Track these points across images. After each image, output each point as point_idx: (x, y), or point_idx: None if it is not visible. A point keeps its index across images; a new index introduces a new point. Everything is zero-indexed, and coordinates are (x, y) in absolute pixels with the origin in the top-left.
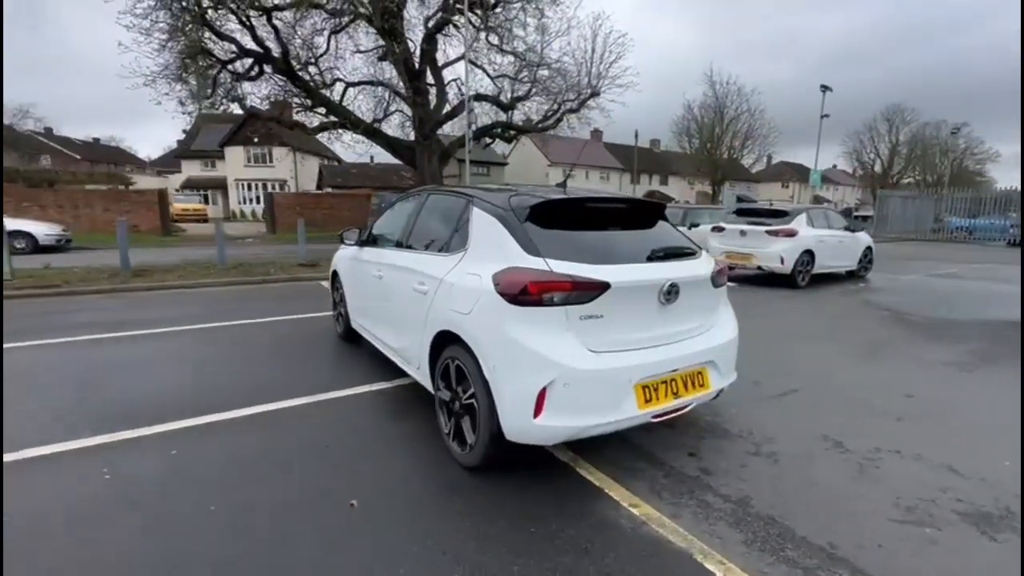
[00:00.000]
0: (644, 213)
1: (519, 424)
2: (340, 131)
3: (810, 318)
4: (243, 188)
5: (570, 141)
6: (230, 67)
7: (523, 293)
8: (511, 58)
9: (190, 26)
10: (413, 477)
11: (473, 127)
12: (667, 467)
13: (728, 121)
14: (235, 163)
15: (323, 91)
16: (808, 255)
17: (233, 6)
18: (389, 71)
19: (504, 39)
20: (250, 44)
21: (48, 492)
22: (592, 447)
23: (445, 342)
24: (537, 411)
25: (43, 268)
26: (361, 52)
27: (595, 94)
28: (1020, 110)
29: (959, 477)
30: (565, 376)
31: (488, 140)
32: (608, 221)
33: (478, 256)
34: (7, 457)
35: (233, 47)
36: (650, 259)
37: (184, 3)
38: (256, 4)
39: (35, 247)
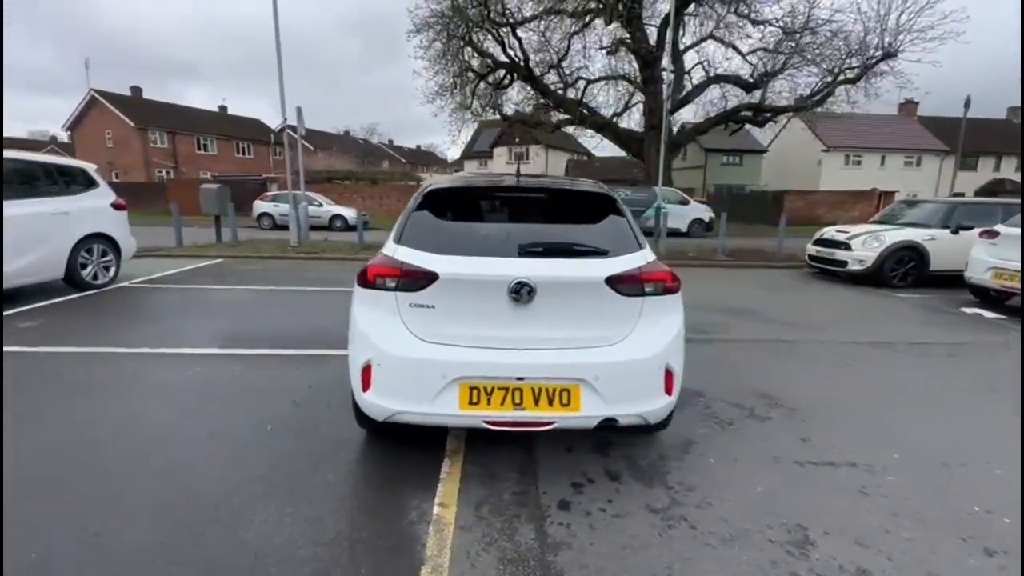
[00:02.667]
0: (586, 205)
1: (358, 395)
2: (573, 127)
3: None
4: None
5: (862, 119)
6: (487, 79)
7: (363, 275)
8: (762, 29)
9: (459, 48)
10: (341, 425)
11: (707, 115)
12: (530, 487)
13: None
14: (499, 161)
15: (564, 91)
16: None
17: (489, 26)
18: (629, 65)
19: (752, 8)
20: (501, 57)
21: (163, 372)
22: (486, 443)
23: None
24: (365, 386)
25: (323, 240)
26: (604, 48)
27: (889, 55)
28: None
29: None
30: (378, 358)
31: (735, 126)
32: (520, 211)
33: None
34: (179, 349)
35: (489, 61)
36: (521, 254)
37: (455, 32)
38: (509, 21)
39: (346, 225)
